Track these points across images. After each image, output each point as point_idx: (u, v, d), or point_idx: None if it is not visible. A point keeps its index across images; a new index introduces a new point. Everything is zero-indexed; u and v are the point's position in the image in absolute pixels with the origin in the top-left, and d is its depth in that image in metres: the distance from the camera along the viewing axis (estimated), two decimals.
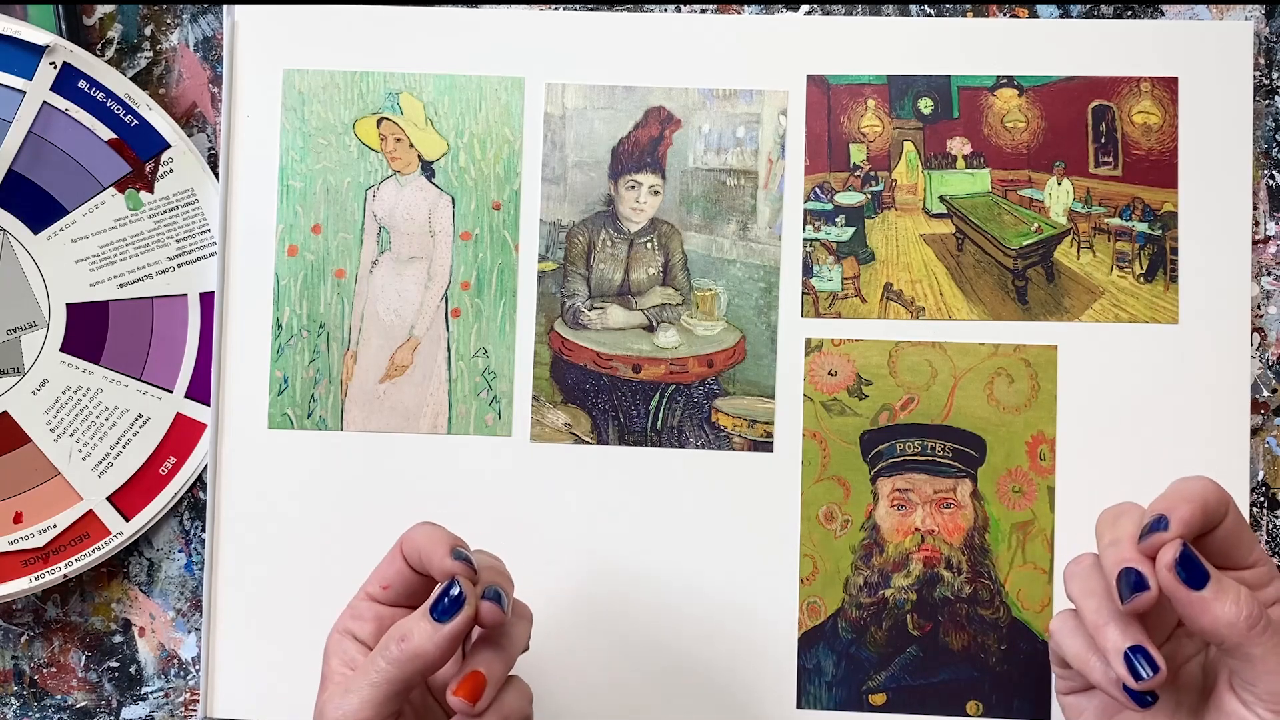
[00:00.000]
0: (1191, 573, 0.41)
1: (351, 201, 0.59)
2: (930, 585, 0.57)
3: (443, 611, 0.44)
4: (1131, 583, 0.42)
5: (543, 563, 0.58)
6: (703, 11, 0.59)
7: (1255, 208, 0.58)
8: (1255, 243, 0.58)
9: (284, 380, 0.59)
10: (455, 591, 0.44)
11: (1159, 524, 0.42)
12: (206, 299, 0.59)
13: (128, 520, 0.58)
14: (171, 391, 0.59)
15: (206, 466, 0.58)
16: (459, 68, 0.59)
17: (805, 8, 0.59)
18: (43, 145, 0.57)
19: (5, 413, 0.58)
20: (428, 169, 0.59)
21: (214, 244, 0.59)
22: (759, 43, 0.59)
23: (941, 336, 0.58)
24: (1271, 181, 0.58)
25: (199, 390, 0.59)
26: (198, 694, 0.59)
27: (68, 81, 0.57)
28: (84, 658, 0.59)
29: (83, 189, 0.58)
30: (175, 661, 0.59)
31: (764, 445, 0.58)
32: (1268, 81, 0.58)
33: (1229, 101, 0.58)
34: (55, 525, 0.58)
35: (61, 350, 0.58)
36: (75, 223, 0.58)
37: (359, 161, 0.59)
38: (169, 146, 0.59)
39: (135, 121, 0.58)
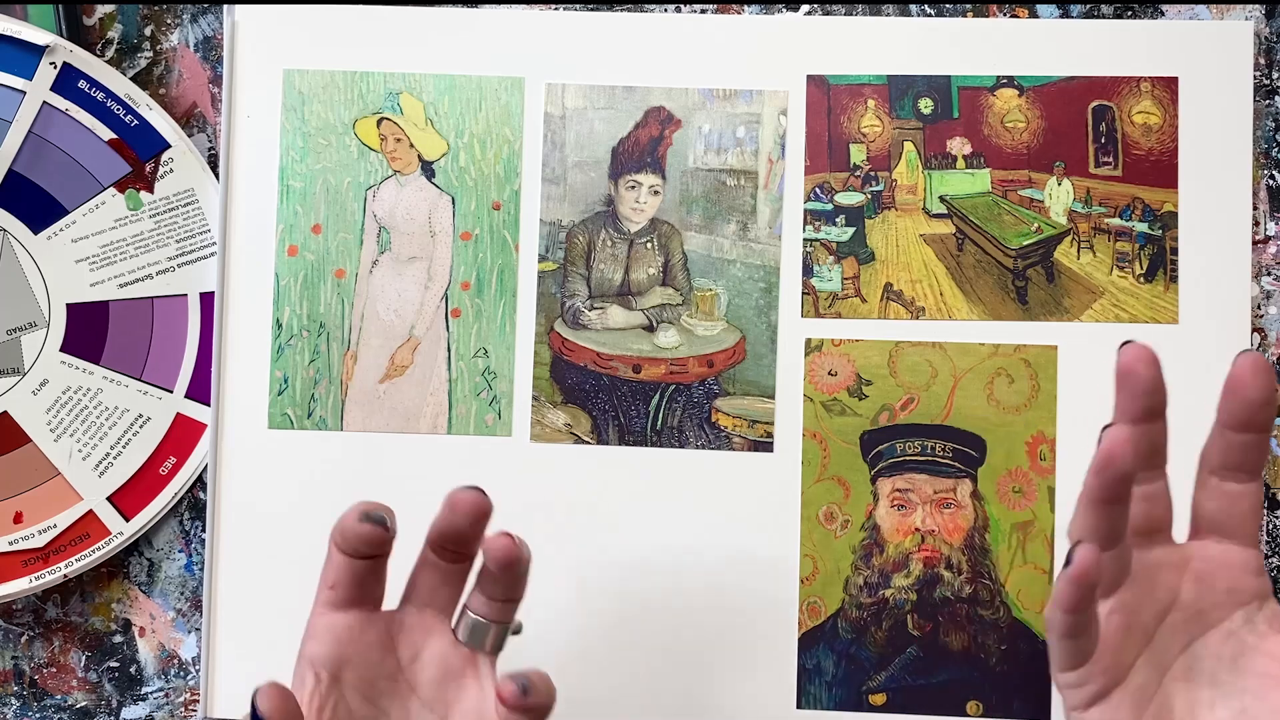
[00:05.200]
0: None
1: (351, 201, 0.59)
2: (930, 585, 0.57)
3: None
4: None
5: (542, 563, 0.57)
6: (703, 11, 0.59)
7: (1255, 208, 0.58)
8: (1255, 243, 0.58)
9: (284, 380, 0.59)
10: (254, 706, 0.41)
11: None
12: (206, 299, 0.59)
13: (128, 520, 0.58)
14: (171, 391, 0.59)
15: (206, 466, 0.58)
16: (459, 68, 0.59)
17: (805, 8, 0.59)
18: (43, 145, 0.57)
19: (5, 413, 0.58)
20: (428, 169, 0.59)
21: (214, 244, 0.59)
22: (759, 43, 0.59)
23: (941, 336, 0.58)
24: (1271, 181, 0.58)
25: (199, 390, 0.59)
26: (198, 694, 0.59)
27: (68, 81, 0.57)
28: (84, 658, 0.59)
29: (83, 189, 0.58)
30: (175, 661, 0.59)
31: (764, 445, 0.58)
32: (1268, 81, 0.58)
33: (1229, 101, 0.58)
34: (55, 525, 0.58)
35: (61, 350, 0.58)
36: (75, 223, 0.58)
37: (359, 161, 0.59)
38: (169, 146, 0.59)
39: (135, 121, 0.58)
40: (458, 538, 0.45)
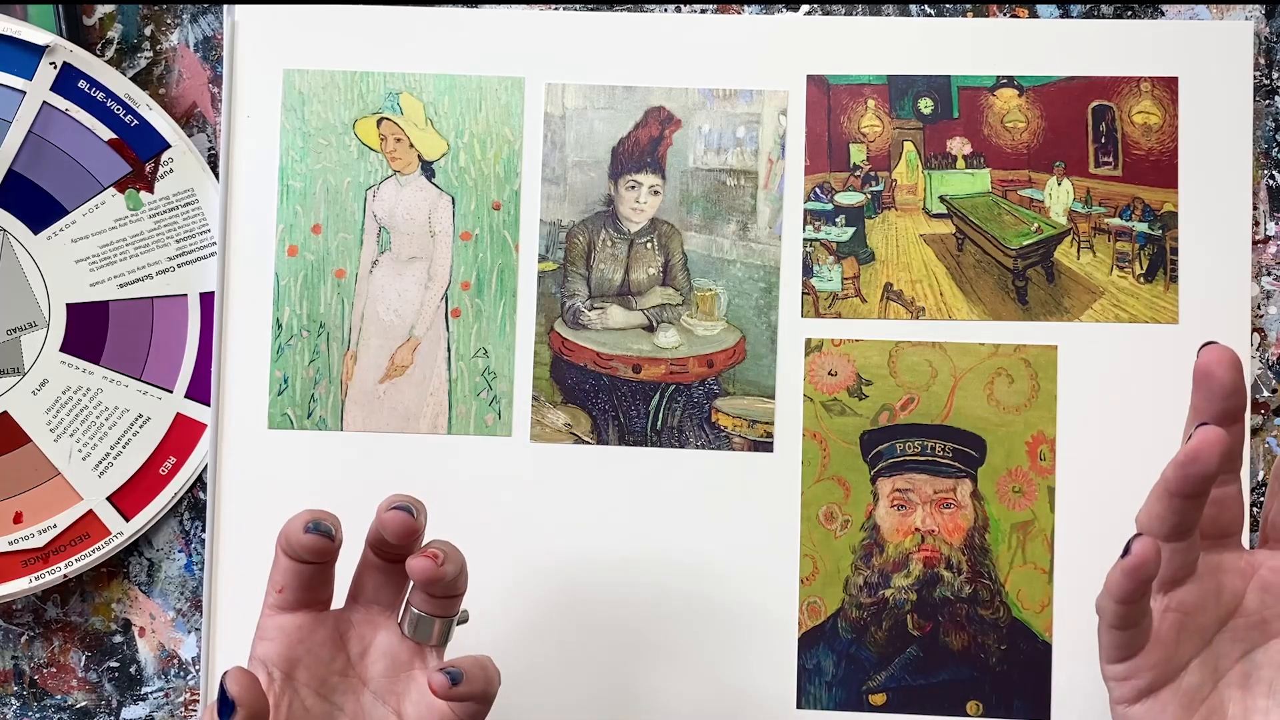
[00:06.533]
0: None
1: (351, 201, 0.59)
2: (930, 585, 0.57)
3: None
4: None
5: (542, 563, 0.58)
6: (703, 11, 0.59)
7: (1255, 208, 0.58)
8: (1255, 243, 0.58)
9: (284, 380, 0.59)
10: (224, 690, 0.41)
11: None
12: (206, 299, 0.59)
13: (128, 520, 0.58)
14: (171, 391, 0.59)
15: (206, 466, 0.58)
16: (459, 68, 0.59)
17: (805, 8, 0.59)
18: (43, 145, 0.57)
19: (5, 413, 0.58)
20: (428, 169, 0.59)
21: (214, 244, 0.59)
22: (759, 43, 0.59)
23: (941, 336, 0.58)
24: (1271, 181, 0.58)
25: (199, 390, 0.59)
26: (198, 694, 0.59)
27: (68, 81, 0.57)
28: (84, 658, 0.59)
29: (83, 189, 0.58)
30: (175, 661, 0.59)
31: (764, 445, 0.58)
32: (1268, 81, 0.58)
33: (1229, 101, 0.58)
34: (55, 525, 0.58)
35: (61, 350, 0.58)
36: (75, 223, 0.58)
37: (359, 161, 0.59)
38: (169, 146, 0.59)
39: (135, 121, 0.58)
40: (390, 547, 0.46)
